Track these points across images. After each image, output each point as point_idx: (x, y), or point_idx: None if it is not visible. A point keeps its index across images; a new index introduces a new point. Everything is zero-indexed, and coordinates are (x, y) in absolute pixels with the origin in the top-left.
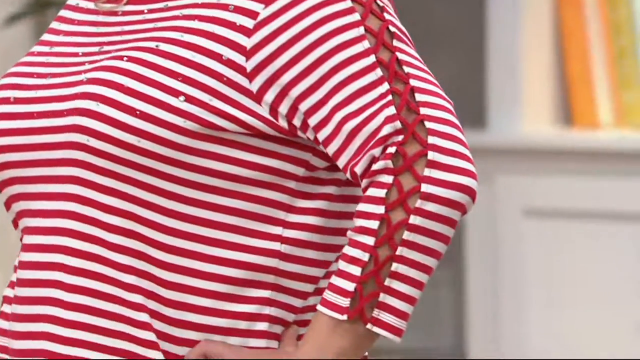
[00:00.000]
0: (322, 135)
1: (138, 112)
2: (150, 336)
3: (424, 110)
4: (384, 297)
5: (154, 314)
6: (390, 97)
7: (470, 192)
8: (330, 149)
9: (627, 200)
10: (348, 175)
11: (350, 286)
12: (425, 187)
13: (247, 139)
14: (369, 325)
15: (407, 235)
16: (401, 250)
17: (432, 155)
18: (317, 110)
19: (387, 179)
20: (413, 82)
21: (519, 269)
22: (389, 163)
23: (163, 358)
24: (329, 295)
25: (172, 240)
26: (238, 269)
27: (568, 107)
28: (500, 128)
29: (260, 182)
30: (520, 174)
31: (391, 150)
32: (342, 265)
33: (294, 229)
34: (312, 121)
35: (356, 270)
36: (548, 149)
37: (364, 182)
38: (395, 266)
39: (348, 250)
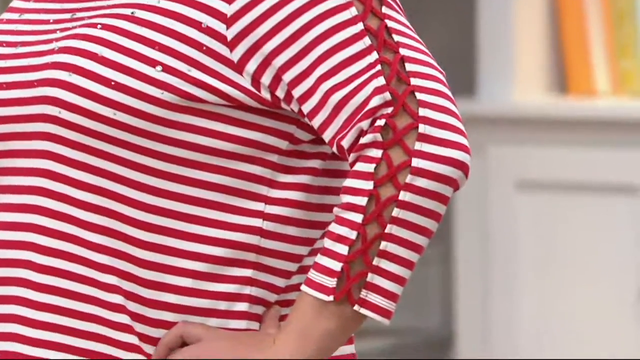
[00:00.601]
0: (307, 107)
1: (113, 83)
2: (123, 319)
3: (414, 81)
4: (372, 277)
5: (128, 295)
6: (379, 67)
7: (462, 166)
8: (316, 122)
9: (625, 171)
10: (334, 149)
11: (336, 266)
12: (416, 162)
13: (228, 110)
14: (356, 307)
15: (396, 212)
16: (390, 228)
17: (423, 128)
18: (301, 81)
19: (376, 153)
20: (403, 51)
21: (511, 245)
22: (378, 136)
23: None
24: (314, 275)
25: (148, 218)
26: (218, 247)
27: (563, 74)
28: (492, 96)
29: (241, 155)
30: (513, 145)
31: (380, 122)
32: (328, 243)
33: (277, 205)
34: (297, 92)
35: (343, 249)
36: (542, 118)
37: (352, 156)
38: (384, 245)
39: (334, 228)
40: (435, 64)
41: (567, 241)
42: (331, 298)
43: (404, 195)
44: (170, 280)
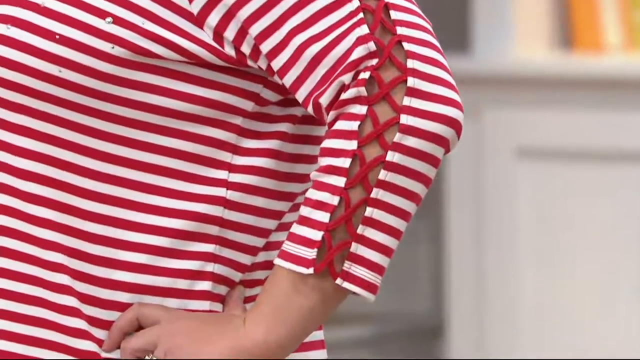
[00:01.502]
0: (277, 63)
1: (57, 37)
2: (70, 301)
3: (400, 30)
4: (356, 248)
5: (76, 275)
6: (361, 15)
7: (455, 124)
8: (288, 79)
9: (637, 137)
10: (310, 109)
11: (316, 235)
12: (405, 119)
13: (187, 67)
14: (338, 281)
15: (383, 174)
16: (377, 192)
17: (412, 81)
18: (270, 34)
19: (360, 109)
20: None
21: (509, 219)
22: (362, 90)
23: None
24: (289, 246)
25: (99, 187)
26: (176, 219)
27: (568, 27)
28: (488, 53)
29: (201, 118)
30: (512, 108)
31: (364, 75)
32: (306, 211)
33: (242, 173)
34: (265, 47)
35: (323, 216)
36: (544, 78)
37: (332, 114)
38: (369, 211)
39: (313, 193)
40: (420, 12)
41: (572, 215)
42: (311, 271)
43: (392, 156)
44: (124, 256)
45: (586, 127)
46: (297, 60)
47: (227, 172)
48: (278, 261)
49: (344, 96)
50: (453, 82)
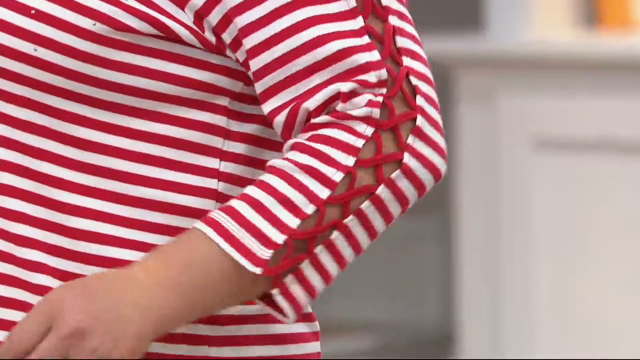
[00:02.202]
0: (258, 62)
1: (33, 11)
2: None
3: (406, 62)
4: (306, 266)
5: (58, 274)
6: (367, 39)
7: (438, 177)
8: (265, 82)
9: None
10: (279, 118)
11: (278, 237)
12: (408, 158)
13: (172, 46)
14: (275, 291)
15: (366, 205)
16: (351, 220)
17: (420, 121)
18: (257, 29)
19: (366, 130)
20: (392, 20)
21: (525, 217)
22: (376, 112)
23: None
24: (239, 231)
25: (78, 178)
26: (165, 215)
27: (592, 3)
28: (503, 33)
29: (189, 101)
30: (529, 93)
31: (378, 99)
32: (269, 201)
33: (234, 162)
34: (249, 42)
35: (292, 221)
36: (566, 60)
37: (325, 118)
38: (335, 235)
39: (285, 187)
40: (416, 34)
41: (595, 212)
42: (258, 271)
43: (382, 191)
44: (112, 253)
45: (611, 115)
46: (285, 63)
47: (218, 160)
48: (225, 246)
49: (350, 109)
50: (443, 128)
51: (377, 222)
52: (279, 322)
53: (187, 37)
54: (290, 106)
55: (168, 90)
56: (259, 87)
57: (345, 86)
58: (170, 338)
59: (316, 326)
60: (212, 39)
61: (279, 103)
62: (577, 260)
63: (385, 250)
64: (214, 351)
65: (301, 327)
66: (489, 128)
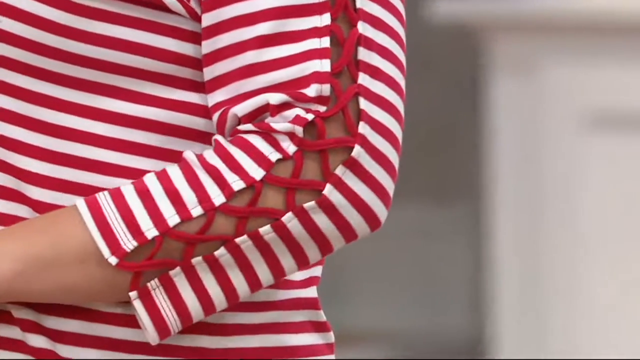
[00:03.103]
0: (206, 45)
1: None
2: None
3: (362, 79)
4: (177, 274)
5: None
6: (327, 42)
7: (374, 224)
8: (208, 72)
9: None
10: (214, 117)
11: (149, 230)
12: (329, 191)
13: (157, 15)
14: (132, 294)
15: (266, 231)
16: (244, 241)
17: (357, 151)
18: (213, 8)
19: (289, 146)
20: (362, 27)
21: (573, 205)
22: (299, 131)
23: None
24: (115, 218)
25: (52, 171)
26: None
27: None
28: None
29: (178, 79)
30: (579, 62)
31: (307, 117)
32: (157, 191)
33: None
34: (205, 20)
35: (171, 217)
36: (622, 23)
37: (248, 126)
38: (221, 252)
39: (181, 182)
40: (398, 48)
41: None
42: (112, 261)
43: (289, 220)
44: None
45: None
46: (227, 56)
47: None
48: (86, 217)
49: (274, 122)
50: (396, 164)
51: (281, 254)
52: (290, 331)
53: (173, 4)
54: (222, 109)
55: (153, 67)
56: (205, 74)
57: (274, 98)
58: (163, 351)
59: (331, 337)
60: (198, 8)
61: (214, 101)
62: (634, 257)
63: (406, 248)
64: None
65: (314, 338)
66: (530, 102)
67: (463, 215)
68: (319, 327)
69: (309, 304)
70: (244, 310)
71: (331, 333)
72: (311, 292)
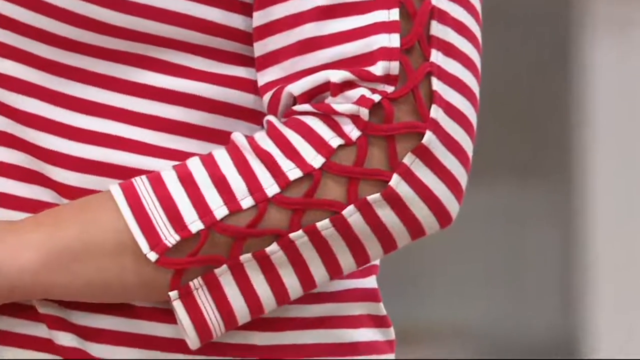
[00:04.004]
0: (259, 17)
1: None
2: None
3: (435, 56)
4: (223, 272)
5: None
6: (396, 14)
7: (444, 221)
8: (260, 46)
9: None
10: (266, 97)
11: (194, 223)
12: (396, 182)
13: None
14: (172, 294)
15: (324, 226)
16: (299, 237)
17: (428, 138)
18: None
19: (353, 131)
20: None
21: None
22: (365, 114)
23: None
24: (155, 208)
25: (74, 149)
26: None
27: None
28: None
29: (222, 53)
30: None
31: (374, 97)
32: (203, 178)
33: None
34: None
35: (219, 210)
36: None
37: (306, 107)
38: (273, 249)
39: (230, 169)
40: (474, 21)
41: None
42: (151, 256)
43: (351, 214)
44: None
45: None
46: (284, 29)
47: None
48: (123, 206)
49: (335, 105)
50: (470, 152)
51: (340, 251)
52: (348, 326)
53: None
54: (275, 88)
55: (196, 39)
56: (256, 49)
57: (335, 75)
58: (207, 350)
59: (391, 333)
60: None
61: (265, 79)
62: None
63: (486, 233)
64: None
65: (373, 334)
66: (631, 66)
67: (552, 196)
68: (379, 321)
69: (369, 295)
70: (297, 302)
71: (392, 329)
72: (370, 282)
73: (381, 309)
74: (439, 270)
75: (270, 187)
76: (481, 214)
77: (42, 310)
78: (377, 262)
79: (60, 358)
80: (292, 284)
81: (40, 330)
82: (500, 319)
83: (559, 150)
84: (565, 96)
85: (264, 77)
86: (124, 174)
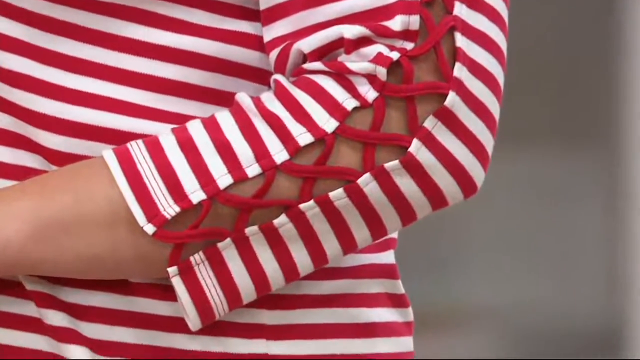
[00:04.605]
0: None
1: None
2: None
3: (459, 9)
4: (227, 247)
5: None
6: None
7: (469, 190)
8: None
9: None
10: (272, 55)
11: (196, 193)
12: (416, 148)
13: None
14: (171, 270)
15: (337, 196)
16: (309, 208)
17: (451, 99)
18: None
19: (369, 92)
20: None
21: None
22: (382, 73)
23: None
24: (153, 177)
25: (59, 109)
26: None
27: None
28: None
29: (225, 5)
30: None
31: (392, 55)
32: (205, 144)
33: None
34: None
35: (223, 179)
36: None
37: (314, 65)
38: (281, 221)
39: (234, 133)
40: None
41: None
42: (148, 229)
43: (367, 182)
44: None
45: None
46: None
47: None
48: (118, 174)
49: (350, 63)
50: (497, 115)
51: (355, 223)
52: (364, 305)
53: None
54: (283, 44)
55: None
56: (261, 2)
57: (350, 31)
58: (210, 330)
59: (409, 314)
60: None
61: (272, 35)
62: None
63: (524, 208)
64: (274, 348)
65: (391, 314)
66: None
67: (595, 166)
68: (396, 300)
69: (386, 271)
70: (308, 278)
71: (410, 309)
72: (388, 257)
73: (399, 286)
74: (465, 247)
75: (279, 154)
76: (518, 188)
77: (29, 287)
78: (394, 235)
79: (51, 339)
80: (302, 259)
81: (28, 309)
82: (537, 302)
83: (602, 118)
84: (609, 57)
85: (271, 32)
86: (118, 138)
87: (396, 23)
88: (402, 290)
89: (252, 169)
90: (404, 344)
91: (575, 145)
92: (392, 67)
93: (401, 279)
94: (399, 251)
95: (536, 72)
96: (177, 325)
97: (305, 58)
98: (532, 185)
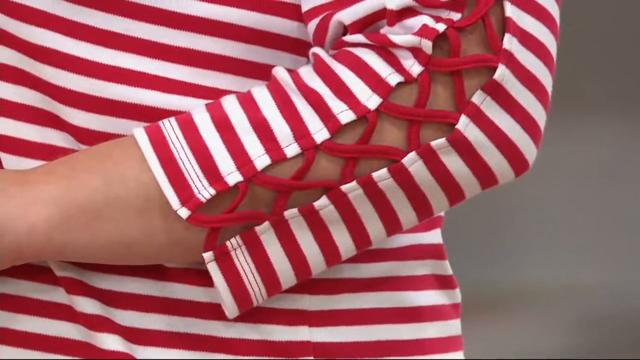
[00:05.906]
0: None
1: None
2: None
3: None
4: (265, 231)
5: None
6: None
7: (520, 168)
8: None
9: None
10: (311, 27)
11: (232, 174)
12: (464, 124)
13: None
14: (207, 255)
15: (381, 176)
16: (352, 189)
17: (501, 73)
18: None
19: (414, 66)
20: None
21: None
22: (427, 46)
23: None
24: (187, 158)
25: (86, 85)
26: None
27: None
28: None
29: None
30: None
31: (437, 27)
32: (241, 122)
33: None
34: None
35: (261, 158)
36: None
37: (355, 37)
38: (322, 203)
39: (272, 111)
40: None
41: None
42: (183, 213)
43: (412, 162)
44: None
45: None
46: None
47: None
48: (150, 156)
49: (393, 36)
50: (550, 88)
51: (399, 205)
52: (410, 288)
53: None
54: (322, 15)
55: None
56: None
57: (394, 1)
58: (249, 317)
59: (457, 295)
60: None
61: (310, 4)
62: None
63: (585, 187)
64: (317, 334)
65: (438, 297)
66: None
67: None
68: (444, 282)
69: (432, 252)
70: (351, 261)
71: (457, 290)
72: (434, 237)
73: (447, 267)
74: (519, 225)
75: (319, 132)
76: (573, 163)
77: (59, 272)
78: (441, 213)
79: (83, 327)
80: (344, 242)
81: (58, 296)
82: (595, 287)
83: None
84: None
85: (309, 1)
86: (150, 115)
87: None
88: (450, 272)
89: (291, 149)
90: (452, 327)
91: (637, 116)
92: (438, 39)
93: (449, 259)
94: (446, 229)
95: (589, 40)
96: (213, 312)
97: (345, 30)
98: (589, 159)
